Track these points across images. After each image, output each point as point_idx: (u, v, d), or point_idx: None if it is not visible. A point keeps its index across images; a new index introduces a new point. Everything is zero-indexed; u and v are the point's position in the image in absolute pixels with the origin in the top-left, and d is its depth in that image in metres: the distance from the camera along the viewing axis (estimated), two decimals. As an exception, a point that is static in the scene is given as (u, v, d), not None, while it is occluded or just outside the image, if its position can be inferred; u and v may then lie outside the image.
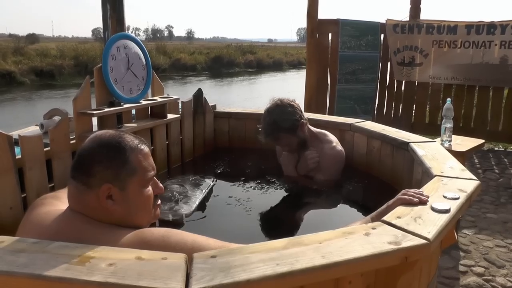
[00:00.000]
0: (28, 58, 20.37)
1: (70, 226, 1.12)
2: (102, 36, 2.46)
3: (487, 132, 5.18)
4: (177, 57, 27.69)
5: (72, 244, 1.00)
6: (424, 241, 1.04)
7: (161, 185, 1.27)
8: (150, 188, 1.22)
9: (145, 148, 1.22)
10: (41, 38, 57.35)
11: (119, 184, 1.14)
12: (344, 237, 1.05)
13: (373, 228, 1.11)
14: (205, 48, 34.92)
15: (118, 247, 1.02)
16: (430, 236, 1.06)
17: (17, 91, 16.86)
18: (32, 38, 36.45)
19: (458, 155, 2.66)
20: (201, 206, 2.08)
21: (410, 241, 1.03)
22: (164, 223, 1.85)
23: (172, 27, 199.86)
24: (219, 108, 3.12)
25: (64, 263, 0.92)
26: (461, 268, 2.61)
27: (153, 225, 1.34)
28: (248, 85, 21.19)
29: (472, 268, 2.61)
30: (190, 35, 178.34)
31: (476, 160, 4.93)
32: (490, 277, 2.51)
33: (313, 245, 1.01)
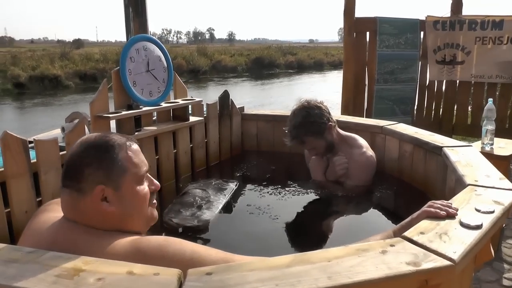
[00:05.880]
0: (73, 63, 21.22)
1: (65, 236, 1.09)
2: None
3: (536, 134, 4.85)
4: (218, 59, 27.98)
5: (65, 255, 0.97)
6: (448, 263, 0.91)
7: (156, 182, 1.23)
8: (145, 185, 1.17)
9: (134, 144, 1.18)
10: (86, 43, 59.53)
11: (112, 184, 1.10)
12: (356, 255, 0.94)
13: (391, 245, 0.99)
14: (246, 49, 35.14)
15: (112, 260, 0.97)
16: (455, 256, 0.93)
17: (61, 94, 17.55)
18: (78, 43, 37.83)
19: (501, 159, 2.52)
20: (224, 212, 2.03)
21: (432, 262, 0.92)
22: (186, 229, 1.83)
23: (213, 29, 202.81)
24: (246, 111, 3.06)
25: (52, 276, 0.89)
26: (505, 282, 2.43)
27: (156, 231, 1.27)
28: (268, 89, 20.90)
29: (518, 282, 2.42)
30: (231, 37, 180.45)
31: (523, 165, 4.62)
32: (537, 293, 2.31)
33: (320, 264, 0.92)
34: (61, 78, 19.25)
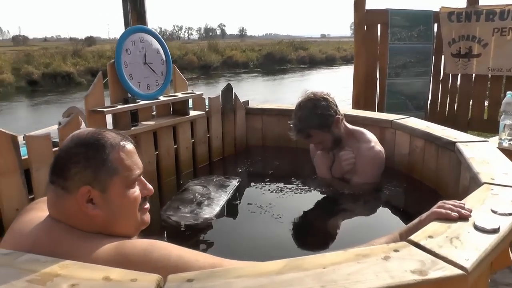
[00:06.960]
0: (85, 60, 21.38)
1: (48, 236, 1.02)
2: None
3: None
4: (229, 54, 27.91)
5: (43, 258, 0.92)
6: (459, 272, 0.81)
7: (150, 186, 1.14)
8: (136, 189, 1.09)
9: (128, 145, 1.09)
10: (98, 40, 59.81)
11: (99, 185, 1.03)
12: (356, 261, 0.85)
13: (396, 250, 0.89)
14: (257, 45, 35.05)
15: (94, 264, 0.91)
16: (468, 264, 0.83)
17: (73, 90, 17.62)
18: (90, 40, 38.17)
19: (519, 156, 2.36)
20: (226, 210, 1.96)
21: (440, 270, 0.82)
22: (185, 227, 1.77)
23: (224, 25, 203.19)
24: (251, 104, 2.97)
25: (24, 281, 0.83)
26: (523, 285, 2.30)
27: (155, 229, 1.19)
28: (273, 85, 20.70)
29: (538, 285, 2.29)
30: (242, 33, 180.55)
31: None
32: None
33: (314, 270, 0.83)
34: (74, 75, 19.44)
